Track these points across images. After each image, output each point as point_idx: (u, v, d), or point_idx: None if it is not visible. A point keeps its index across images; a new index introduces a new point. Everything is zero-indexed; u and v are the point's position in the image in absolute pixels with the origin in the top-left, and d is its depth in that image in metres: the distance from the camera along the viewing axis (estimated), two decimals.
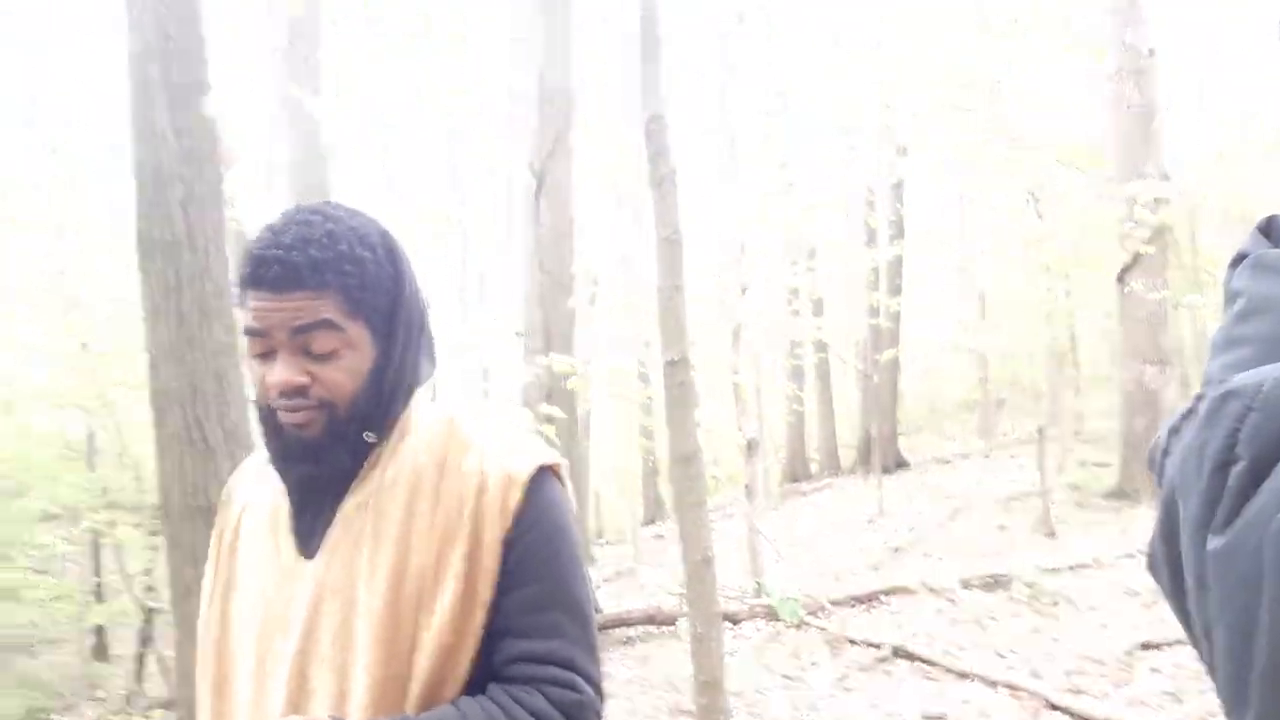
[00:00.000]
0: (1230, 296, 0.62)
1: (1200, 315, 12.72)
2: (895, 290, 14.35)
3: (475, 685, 0.98)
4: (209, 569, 1.12)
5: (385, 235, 1.02)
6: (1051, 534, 7.13)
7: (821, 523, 10.82)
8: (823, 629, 5.56)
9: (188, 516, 4.48)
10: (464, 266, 17.43)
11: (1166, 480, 0.54)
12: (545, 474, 1.02)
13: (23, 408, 12.43)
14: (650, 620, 6.44)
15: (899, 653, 4.58)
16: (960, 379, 20.40)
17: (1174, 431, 0.55)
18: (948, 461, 14.38)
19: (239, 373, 4.85)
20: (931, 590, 5.72)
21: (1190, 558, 0.50)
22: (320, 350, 0.96)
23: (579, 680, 0.97)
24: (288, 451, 0.99)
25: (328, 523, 1.01)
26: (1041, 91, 10.74)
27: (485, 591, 0.97)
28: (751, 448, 7.63)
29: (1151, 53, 8.22)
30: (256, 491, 1.10)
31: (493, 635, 0.98)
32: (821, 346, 15.46)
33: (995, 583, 5.80)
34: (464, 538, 0.97)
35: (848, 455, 17.03)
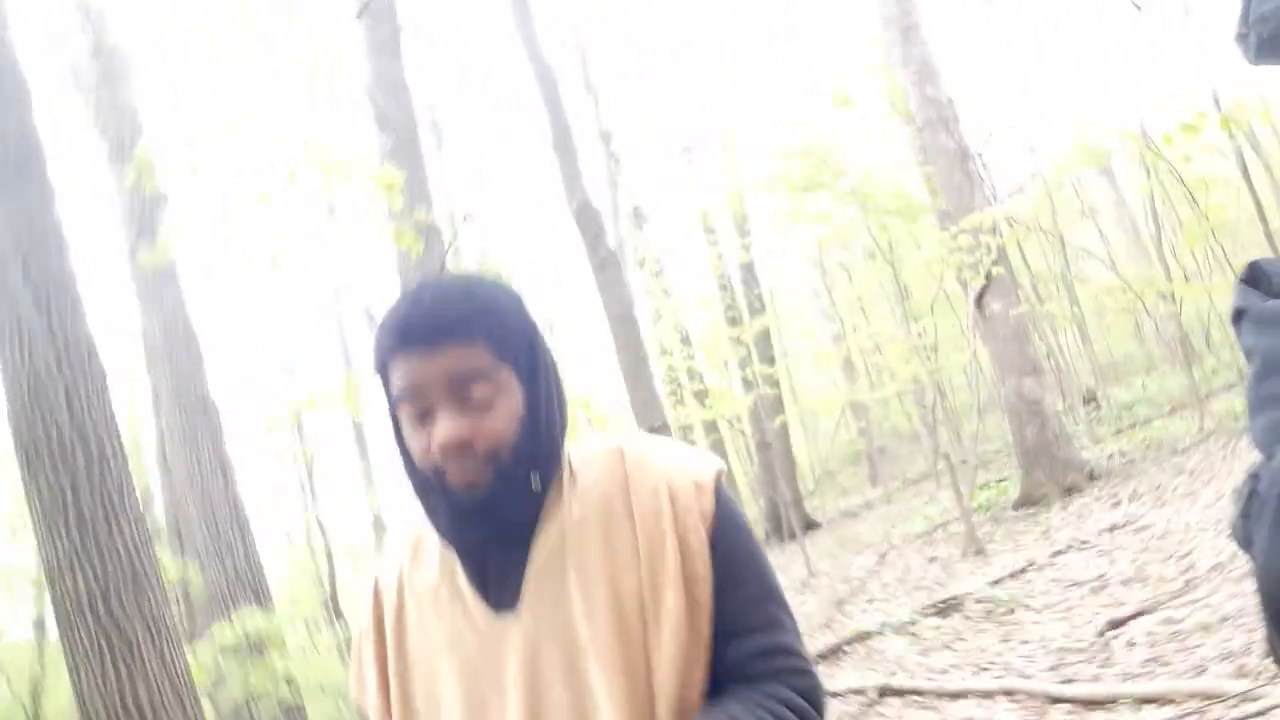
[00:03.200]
0: (1245, 354, 0.65)
1: (1057, 323, 13.90)
2: (769, 360, 14.87)
3: (707, 692, 0.97)
4: (370, 670, 1.07)
5: (512, 287, 1.05)
6: (981, 552, 7.40)
7: None
8: None
9: None
10: None
11: (1263, 584, 0.55)
12: (721, 478, 1.04)
13: None
14: None
15: (886, 692, 4.58)
16: (840, 436, 21.12)
17: (1246, 518, 0.58)
18: (854, 514, 14.72)
19: (154, 566, 4.55)
20: (894, 629, 5.81)
21: None
22: (478, 400, 0.95)
23: (807, 664, 0.99)
24: (462, 512, 0.96)
25: (517, 575, 0.99)
26: (874, 155, 11.73)
27: (704, 596, 0.96)
28: None
29: (950, 101, 9.09)
30: (415, 576, 1.06)
31: (718, 638, 0.97)
32: (712, 428, 15.73)
33: (948, 607, 5.94)
34: (671, 548, 0.97)
35: (756, 529, 17.18)
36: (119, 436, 4.56)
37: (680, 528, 0.98)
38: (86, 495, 4.28)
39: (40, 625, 12.30)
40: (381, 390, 1.01)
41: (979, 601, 5.79)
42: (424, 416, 0.96)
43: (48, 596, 4.66)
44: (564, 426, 1.05)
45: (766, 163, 11.95)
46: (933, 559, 8.09)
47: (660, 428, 3.47)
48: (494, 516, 0.96)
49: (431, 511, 0.99)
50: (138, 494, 4.69)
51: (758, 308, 15.04)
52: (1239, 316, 0.66)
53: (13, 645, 12.25)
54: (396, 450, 1.01)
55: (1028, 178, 13.59)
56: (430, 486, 0.97)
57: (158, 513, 12.17)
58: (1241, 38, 0.69)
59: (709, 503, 0.99)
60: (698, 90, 15.33)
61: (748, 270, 15.51)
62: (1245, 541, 0.58)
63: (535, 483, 0.99)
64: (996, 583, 6.14)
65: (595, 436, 1.12)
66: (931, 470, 14.14)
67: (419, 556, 1.07)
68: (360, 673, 1.09)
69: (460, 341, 0.95)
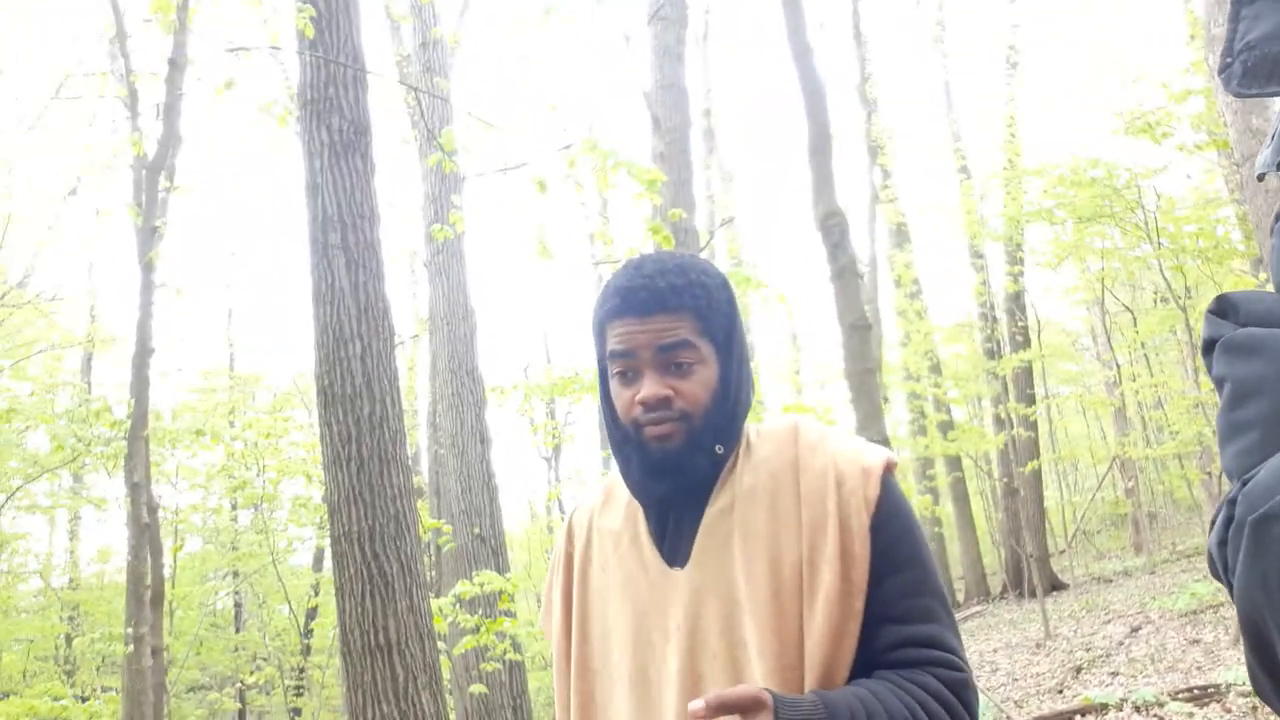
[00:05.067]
0: (1216, 383, 0.64)
1: None
2: (1028, 400, 13.91)
3: (854, 673, 1.00)
4: (557, 598, 1.19)
5: (719, 270, 1.14)
6: None
7: (984, 650, 10.19)
8: None
9: (368, 654, 4.57)
10: None
11: (1242, 610, 0.54)
12: (891, 469, 1.07)
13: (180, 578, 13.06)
14: None
15: None
16: (1104, 494, 19.33)
17: (1223, 544, 0.57)
18: (1108, 580, 13.47)
19: (415, 514, 5.03)
20: (1135, 708, 5.28)
21: None
22: (680, 366, 1.05)
23: (959, 661, 1.00)
24: (654, 466, 1.06)
25: (691, 533, 1.07)
26: (1176, 188, 10.68)
27: (859, 577, 1.00)
28: None
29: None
30: (603, 519, 1.18)
31: (871, 622, 1.00)
32: (955, 465, 14.97)
33: (1206, 695, 5.31)
34: (833, 528, 1.01)
35: (993, 581, 16.14)
36: (399, 392, 5.09)
37: (843, 510, 1.02)
38: (367, 440, 4.79)
39: (319, 558, 14.00)
40: (596, 349, 1.12)
41: (1244, 695, 5.14)
42: (631, 376, 1.07)
43: (327, 533, 5.24)
44: (748, 405, 1.12)
45: (1049, 189, 11.20)
46: (1195, 641, 7.25)
47: (879, 443, 3.38)
48: (679, 473, 1.05)
49: (625, 463, 1.09)
50: (408, 448, 5.21)
51: (1020, 342, 14.11)
52: (1210, 347, 0.66)
53: (296, 570, 14.02)
54: (602, 405, 1.13)
55: None
56: (628, 440, 1.08)
57: (422, 470, 13.43)
58: (1226, 67, 0.67)
59: (874, 490, 1.03)
60: (980, 108, 14.64)
61: (1015, 301, 14.59)
62: (1223, 569, 0.58)
63: (718, 449, 1.07)
64: None
65: (774, 417, 1.17)
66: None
67: (609, 503, 1.18)
68: (549, 601, 1.22)
69: (671, 312, 1.05)
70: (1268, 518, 0.51)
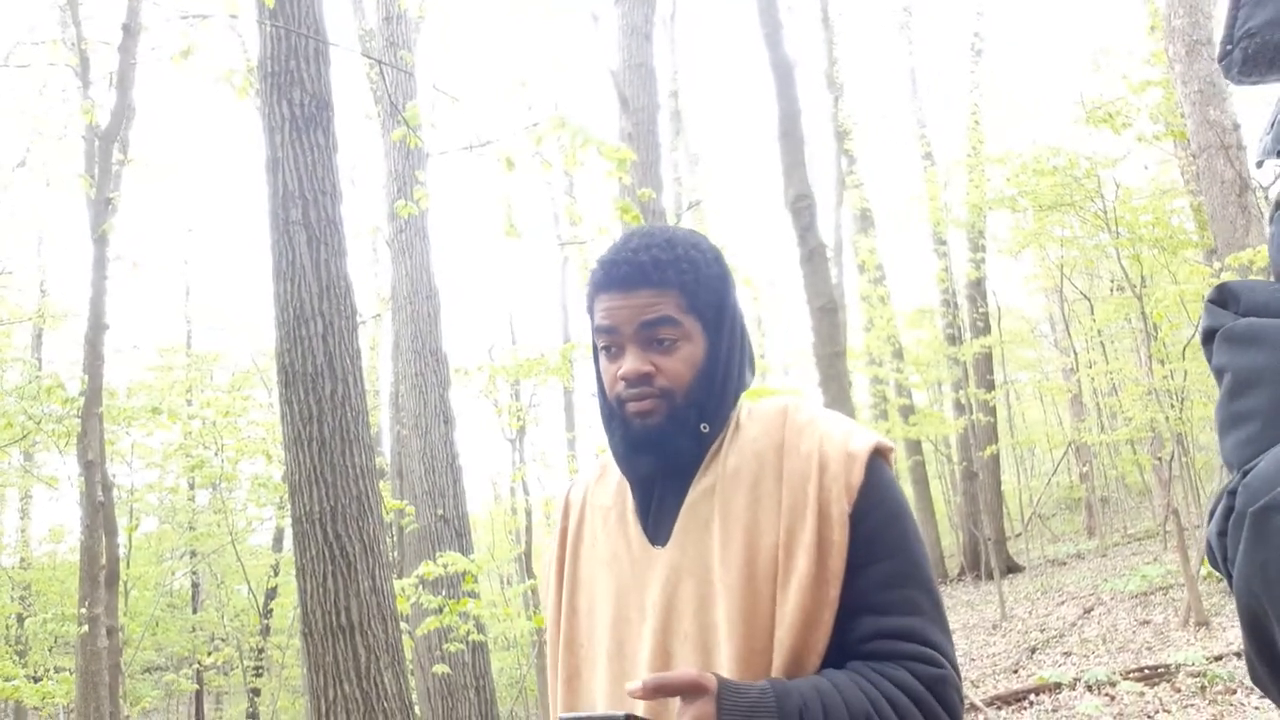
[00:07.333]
0: (1216, 373, 0.63)
1: None
2: (987, 386, 14.11)
3: (829, 662, 0.98)
4: (551, 572, 1.18)
5: (713, 244, 1.12)
6: (1205, 624, 6.71)
7: None
8: None
9: (330, 634, 4.53)
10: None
11: (1241, 601, 0.54)
12: (880, 455, 1.04)
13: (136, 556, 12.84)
14: None
15: None
16: (1059, 479, 19.71)
17: (1223, 535, 0.56)
18: (1062, 563, 13.77)
19: (377, 495, 4.97)
20: (1088, 687, 5.40)
21: None
22: (663, 342, 1.04)
23: (940, 657, 0.96)
24: (635, 442, 1.05)
25: (674, 511, 1.06)
26: (1134, 179, 10.83)
27: (836, 565, 0.98)
28: None
29: (1237, 127, 8.23)
30: (596, 494, 1.17)
31: (848, 612, 0.98)
32: (915, 448, 15.16)
33: (1156, 675, 5.45)
34: (811, 513, 0.99)
35: (951, 563, 16.41)
36: (361, 371, 5.02)
37: (823, 495, 1.00)
38: (329, 419, 4.72)
39: (279, 538, 13.86)
40: (589, 323, 1.11)
41: (1193, 675, 5.27)
42: (615, 351, 1.06)
43: (287, 513, 5.17)
44: (741, 384, 1.11)
45: (1012, 177, 11.32)
46: (1145, 622, 7.43)
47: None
48: (661, 450, 1.04)
49: (611, 438, 1.08)
50: (370, 428, 5.14)
51: (981, 328, 14.29)
52: (1210, 337, 0.65)
53: (256, 550, 13.86)
54: (595, 379, 1.11)
55: None
56: (613, 415, 1.07)
57: (384, 451, 13.31)
58: (1226, 54, 0.66)
59: (857, 476, 1.00)
60: (945, 95, 14.75)
61: (976, 288, 14.78)
62: (1222, 559, 0.57)
63: (703, 428, 1.05)
64: (1218, 658, 5.56)
65: (771, 396, 1.16)
66: (1158, 529, 12.96)
67: (603, 479, 1.18)
68: (547, 575, 1.21)
69: (655, 287, 1.04)
70: (1268, 509, 0.51)
